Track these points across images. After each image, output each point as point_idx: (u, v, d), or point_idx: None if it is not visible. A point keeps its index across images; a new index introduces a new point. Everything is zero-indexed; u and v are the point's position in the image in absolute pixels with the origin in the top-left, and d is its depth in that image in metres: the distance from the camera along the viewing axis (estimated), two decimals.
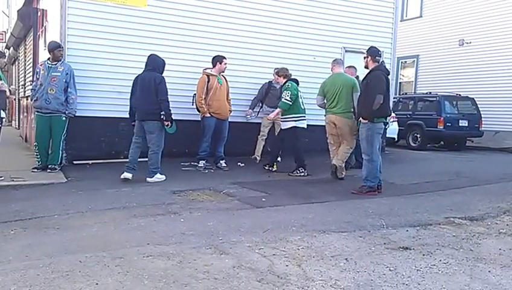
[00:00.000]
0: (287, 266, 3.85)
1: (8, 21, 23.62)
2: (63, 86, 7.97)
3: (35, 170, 7.92)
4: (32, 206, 5.84)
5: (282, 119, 8.64)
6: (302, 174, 8.42)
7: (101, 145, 8.77)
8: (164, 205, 5.94)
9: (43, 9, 11.19)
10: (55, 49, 8.05)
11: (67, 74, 8.00)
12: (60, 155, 8.09)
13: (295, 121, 8.50)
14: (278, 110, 8.60)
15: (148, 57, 7.65)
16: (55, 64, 8.02)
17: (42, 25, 11.03)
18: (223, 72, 8.92)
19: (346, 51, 11.47)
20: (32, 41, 12.34)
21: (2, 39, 24.51)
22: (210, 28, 9.86)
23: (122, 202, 6.05)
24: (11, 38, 15.55)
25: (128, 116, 7.79)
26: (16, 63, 19.70)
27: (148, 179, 7.43)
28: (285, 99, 8.38)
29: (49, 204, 5.96)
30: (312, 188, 7.42)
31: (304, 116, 8.64)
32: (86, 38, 8.71)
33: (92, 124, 8.69)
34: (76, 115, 8.33)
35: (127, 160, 8.04)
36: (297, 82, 8.68)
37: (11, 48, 16.93)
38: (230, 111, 9.11)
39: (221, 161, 8.95)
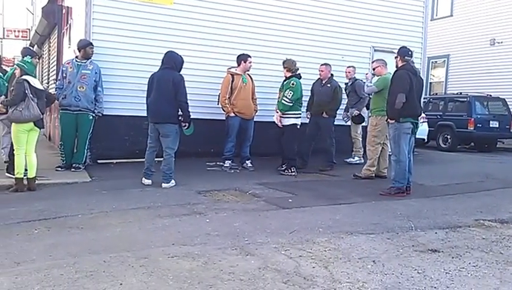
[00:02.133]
0: (313, 267, 3.83)
1: (32, 18, 24.15)
2: (92, 84, 8.11)
3: (59, 169, 8.05)
4: (56, 205, 5.94)
5: (284, 116, 8.44)
6: (294, 174, 8.24)
7: (125, 144, 8.85)
8: (189, 205, 5.97)
9: (68, 7, 11.35)
10: (86, 46, 8.19)
11: (96, 72, 8.13)
12: (85, 154, 8.21)
13: (296, 118, 8.41)
14: (277, 115, 8.46)
15: (166, 54, 7.27)
16: (85, 62, 8.15)
17: (67, 23, 11.19)
18: (248, 71, 8.91)
19: (375, 50, 11.36)
20: (56, 39, 12.55)
21: (26, 37, 25.06)
22: (236, 26, 9.86)
23: (147, 201, 6.09)
24: (35, 35, 15.81)
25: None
26: (40, 61, 20.03)
27: (165, 185, 7.08)
28: (286, 100, 8.28)
29: (73, 203, 6.04)
30: (339, 189, 7.37)
31: (300, 114, 8.58)
32: (110, 36, 8.81)
33: (116, 123, 8.78)
34: (104, 113, 8.45)
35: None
36: (300, 77, 8.51)
37: (35, 46, 17.21)
38: (256, 111, 9.09)
39: (247, 161, 8.95)
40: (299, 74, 8.51)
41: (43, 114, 6.95)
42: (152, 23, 9.15)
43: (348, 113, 9.93)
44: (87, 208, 5.76)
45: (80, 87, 8.03)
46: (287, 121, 8.38)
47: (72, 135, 8.16)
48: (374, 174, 8.15)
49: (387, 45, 11.17)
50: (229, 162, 8.81)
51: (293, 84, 8.26)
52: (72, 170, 8.00)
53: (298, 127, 8.47)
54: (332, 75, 9.20)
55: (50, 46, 14.72)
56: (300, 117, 8.52)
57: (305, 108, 9.18)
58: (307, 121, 9.19)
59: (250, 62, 8.81)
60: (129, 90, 8.87)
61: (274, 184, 7.37)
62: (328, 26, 10.81)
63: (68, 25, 10.93)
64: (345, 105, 10.08)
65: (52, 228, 4.99)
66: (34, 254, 4.17)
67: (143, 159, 8.56)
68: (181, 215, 5.48)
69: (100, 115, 8.30)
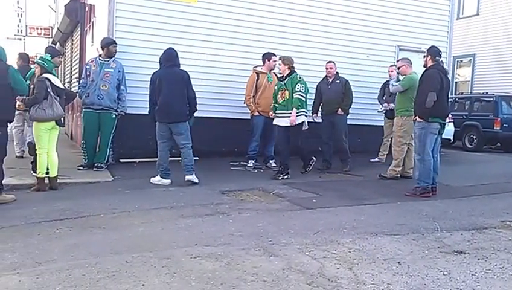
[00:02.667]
0: (337, 269, 3.80)
1: (54, 16, 24.46)
2: (115, 82, 8.18)
3: (82, 168, 8.14)
4: (78, 205, 5.99)
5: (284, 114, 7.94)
6: (286, 177, 7.82)
7: (148, 144, 8.83)
8: (212, 205, 5.98)
9: (90, 5, 11.47)
10: (110, 45, 8.26)
11: (119, 71, 8.20)
12: (107, 153, 8.29)
13: (306, 116, 7.96)
14: (294, 111, 7.79)
15: (166, 51, 7.31)
16: (108, 60, 8.23)
17: (90, 21, 11.31)
18: (273, 69, 8.86)
19: (400, 50, 11.25)
20: (79, 37, 12.69)
21: (49, 34, 25.41)
22: (261, 24, 9.85)
23: (170, 201, 6.12)
24: (58, 33, 16.03)
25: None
26: (62, 59, 20.30)
27: (189, 177, 7.18)
28: (301, 95, 7.81)
29: (95, 203, 6.09)
30: (364, 189, 7.30)
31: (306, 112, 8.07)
32: (134, 34, 8.87)
33: (140, 122, 8.78)
34: (126, 112, 8.52)
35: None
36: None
37: (58, 44, 17.47)
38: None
39: (271, 161, 8.93)
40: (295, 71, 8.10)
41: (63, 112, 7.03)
42: (176, 21, 9.19)
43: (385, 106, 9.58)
44: (110, 208, 5.80)
45: (102, 86, 8.11)
46: (300, 119, 7.91)
47: (94, 134, 8.24)
48: (399, 175, 8.06)
49: (413, 44, 11.11)
50: (253, 161, 8.79)
51: (300, 77, 7.89)
52: (95, 169, 8.08)
53: (307, 126, 7.97)
54: (337, 72, 9.11)
55: (73, 44, 14.89)
56: (307, 115, 8.07)
57: (311, 109, 9.03)
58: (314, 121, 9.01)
59: (274, 61, 8.75)
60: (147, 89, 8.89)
61: (298, 184, 7.33)
62: (352, 25, 10.74)
63: (91, 23, 11.05)
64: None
65: (74, 228, 5.04)
66: (56, 254, 4.21)
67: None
68: (204, 216, 5.48)
69: (123, 114, 8.36)
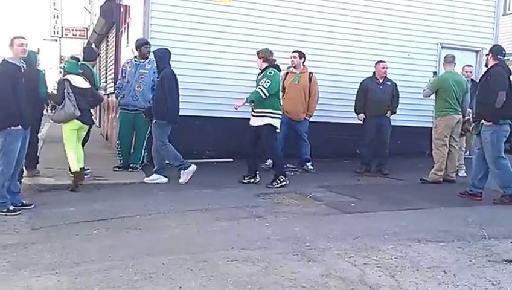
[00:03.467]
0: (379, 276, 3.76)
1: (89, 17, 24.99)
2: (150, 83, 8.29)
3: (117, 169, 8.28)
4: (114, 206, 6.12)
5: (255, 114, 7.43)
6: (284, 183, 7.31)
7: (182, 145, 8.95)
8: (248, 207, 6.01)
9: (126, 5, 11.65)
10: (142, 46, 8.38)
11: (154, 72, 8.29)
12: (142, 154, 8.41)
13: (272, 118, 7.33)
14: (242, 100, 7.41)
15: (163, 51, 7.61)
16: (143, 62, 8.35)
17: (125, 22, 11.50)
18: (300, 68, 8.71)
19: (442, 47, 10.96)
20: (114, 38, 12.93)
21: (84, 35, 25.97)
22: (297, 23, 9.79)
23: (205, 203, 6.18)
24: (93, 34, 16.36)
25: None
26: (98, 60, 20.70)
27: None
28: (262, 89, 7.15)
29: (131, 204, 6.21)
30: (405, 193, 7.20)
31: (280, 115, 7.52)
32: (169, 35, 8.95)
33: None
34: None
35: (208, 160, 8.30)
36: (279, 70, 7.57)
37: (93, 45, 17.83)
38: (308, 113, 8.87)
39: (307, 163, 8.89)
40: (277, 65, 7.57)
41: (88, 111, 7.29)
42: (211, 20, 9.23)
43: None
44: (145, 209, 5.90)
45: (137, 87, 8.24)
46: (261, 121, 7.32)
47: (129, 135, 8.38)
48: (441, 179, 7.90)
49: (456, 42, 10.87)
50: (270, 161, 8.60)
51: (270, 73, 7.27)
52: (130, 170, 8.22)
53: (277, 130, 7.50)
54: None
55: (108, 45, 15.17)
56: (279, 118, 7.44)
57: (355, 109, 8.96)
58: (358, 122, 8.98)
59: (291, 57, 8.68)
60: (186, 90, 8.95)
61: (336, 187, 7.29)
62: (393, 22, 10.56)
63: (126, 24, 11.24)
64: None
65: (111, 229, 5.15)
66: (93, 255, 4.31)
67: (200, 160, 8.79)
68: (240, 218, 5.51)
69: None
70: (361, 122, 8.90)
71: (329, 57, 9.97)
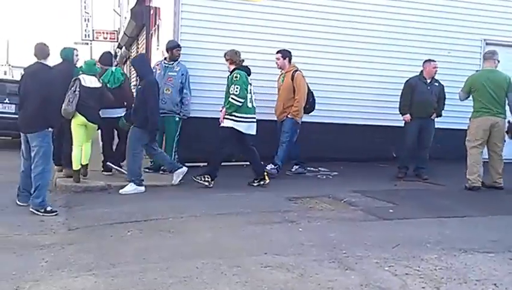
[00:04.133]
0: (423, 288, 3.64)
1: (119, 20, 25.36)
2: (178, 86, 8.28)
3: (148, 171, 8.29)
4: (147, 208, 6.14)
5: (226, 115, 7.43)
6: (207, 183, 7.28)
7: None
8: (280, 212, 5.93)
9: (155, 7, 11.74)
10: (174, 48, 8.39)
11: (182, 74, 8.30)
12: (173, 157, 8.40)
13: (235, 121, 7.26)
14: (223, 112, 7.42)
15: (141, 59, 7.95)
16: (172, 64, 8.37)
17: (155, 24, 11.58)
18: (282, 68, 8.46)
19: (486, 44, 10.54)
20: (144, 40, 13.03)
21: (114, 38, 26.32)
22: (331, 21, 9.65)
23: (236, 207, 6.13)
24: (124, 37, 16.58)
25: None
26: (128, 62, 20.94)
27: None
28: (234, 98, 7.16)
29: (163, 206, 6.20)
30: (446, 200, 6.97)
31: (253, 119, 7.43)
32: (199, 36, 8.97)
33: (204, 125, 8.89)
34: (191, 116, 8.64)
35: (238, 163, 8.25)
36: (248, 72, 7.47)
37: (123, 48, 18.06)
38: (288, 112, 8.30)
39: (270, 167, 8.30)
40: (246, 66, 7.53)
41: (95, 109, 7.39)
42: (242, 20, 9.20)
43: None
44: (177, 212, 5.89)
45: (166, 90, 8.22)
46: (225, 122, 7.36)
47: (158, 137, 8.37)
48: (478, 184, 7.48)
49: (502, 38, 10.40)
50: (296, 167, 8.74)
51: (236, 76, 7.22)
52: (161, 172, 8.22)
53: (251, 133, 7.46)
54: None
55: (138, 48, 15.34)
56: (245, 122, 7.36)
57: (400, 108, 8.62)
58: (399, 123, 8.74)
59: (276, 59, 8.47)
60: (218, 92, 8.92)
61: (371, 192, 7.13)
62: (431, 18, 10.20)
63: (156, 26, 11.32)
64: None
65: (144, 231, 5.16)
66: (128, 256, 4.34)
67: (231, 163, 8.76)
68: (272, 223, 5.45)
69: (185, 117, 8.47)
70: (403, 125, 8.63)
71: (361, 56, 9.78)
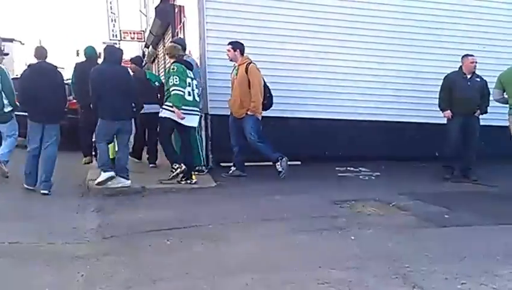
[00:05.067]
0: None
1: (146, 20, 25.19)
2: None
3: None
4: (184, 213, 5.75)
5: (163, 106, 7.23)
6: (179, 171, 7.00)
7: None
8: (327, 217, 5.47)
9: (180, 6, 11.37)
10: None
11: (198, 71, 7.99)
12: (201, 155, 7.99)
13: (172, 112, 6.97)
14: (177, 111, 6.96)
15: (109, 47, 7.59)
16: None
17: (180, 22, 11.21)
18: (235, 61, 7.67)
19: None
20: (170, 39, 12.66)
21: (141, 38, 26.12)
22: (368, 17, 9.09)
23: (280, 212, 5.68)
24: (150, 36, 16.28)
25: None
26: (156, 61, 20.70)
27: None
28: (176, 88, 6.90)
29: (201, 211, 5.81)
30: (504, 204, 6.37)
31: (192, 111, 7.12)
32: (225, 33, 8.46)
33: None
34: (219, 114, 8.27)
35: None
36: (188, 66, 7.22)
37: (150, 47, 17.76)
38: (249, 108, 7.51)
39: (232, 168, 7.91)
40: (185, 60, 7.32)
41: None
42: (268, 17, 8.69)
43: None
44: (217, 218, 5.46)
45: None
46: (163, 113, 7.13)
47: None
48: None
49: None
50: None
51: (173, 68, 7.03)
52: (196, 173, 7.77)
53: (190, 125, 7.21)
54: None
55: (164, 46, 15.00)
56: (172, 110, 6.99)
57: (439, 104, 8.02)
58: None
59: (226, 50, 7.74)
60: None
61: (420, 195, 6.60)
62: (464, 13, 9.55)
63: (182, 24, 10.92)
64: None
65: (184, 240, 4.74)
66: (169, 270, 3.94)
67: (267, 163, 8.32)
68: (321, 230, 4.98)
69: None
70: (445, 122, 8.04)
71: (398, 52, 9.19)
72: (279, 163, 7.48)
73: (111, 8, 28.97)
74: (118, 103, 6.66)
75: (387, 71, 9.14)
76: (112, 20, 28.88)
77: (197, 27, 8.64)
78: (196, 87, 7.25)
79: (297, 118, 8.69)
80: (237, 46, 7.69)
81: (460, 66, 8.00)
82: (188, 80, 7.10)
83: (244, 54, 7.65)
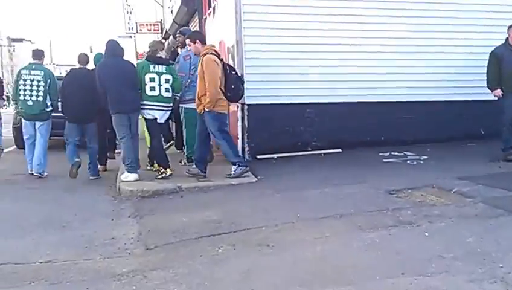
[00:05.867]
0: None
1: (162, 11, 24.61)
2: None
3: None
4: (230, 213, 5.23)
5: None
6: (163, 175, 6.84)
7: (285, 136, 7.96)
8: (389, 211, 4.87)
9: None
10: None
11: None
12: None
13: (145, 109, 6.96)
14: None
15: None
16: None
17: (209, 7, 10.61)
18: (197, 53, 6.91)
19: None
20: (197, 27, 12.09)
21: (158, 30, 25.57)
22: (417, 11, 8.32)
23: (334, 207, 5.10)
24: (173, 25, 15.62)
25: None
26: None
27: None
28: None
29: (248, 211, 5.30)
30: None
31: (157, 106, 6.92)
32: (264, 15, 7.88)
33: (274, 113, 7.92)
34: (256, 103, 7.78)
35: (314, 152, 7.60)
36: (160, 60, 7.09)
37: (170, 37, 17.15)
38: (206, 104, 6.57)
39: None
40: (151, 56, 7.16)
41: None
42: (312, 3, 8.03)
43: None
44: (267, 217, 4.93)
45: None
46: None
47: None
48: None
49: None
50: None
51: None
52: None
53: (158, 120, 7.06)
54: None
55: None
56: (147, 109, 6.94)
57: (488, 82, 7.20)
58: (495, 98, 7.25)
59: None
60: (286, 75, 7.94)
61: (479, 178, 5.91)
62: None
63: (211, 9, 10.32)
64: None
65: (238, 246, 4.21)
66: (230, 285, 3.43)
67: (306, 152, 7.82)
68: (387, 227, 4.40)
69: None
70: (495, 99, 7.25)
71: (441, 25, 8.34)
72: (235, 167, 6.70)
73: (126, 1, 28.48)
74: (125, 95, 6.74)
75: (432, 47, 8.35)
76: (127, 13, 28.41)
77: (233, 10, 7.94)
78: (166, 82, 6.93)
79: (334, 103, 8.06)
80: (195, 36, 7.11)
81: (507, 38, 7.25)
82: (151, 75, 6.86)
83: (207, 43, 7.05)
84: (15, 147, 11.22)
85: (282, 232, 4.49)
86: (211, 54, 6.58)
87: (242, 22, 7.80)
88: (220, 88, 6.48)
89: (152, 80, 6.85)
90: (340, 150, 8.01)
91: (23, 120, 7.93)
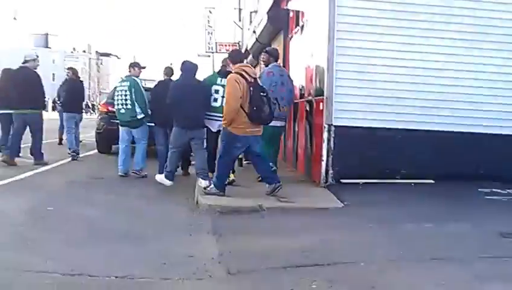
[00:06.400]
0: None
1: (241, 33, 24.55)
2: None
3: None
4: (321, 242, 4.55)
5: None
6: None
7: (373, 162, 7.15)
8: (510, 259, 4.00)
9: (296, 11, 10.22)
10: None
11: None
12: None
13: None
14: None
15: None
16: None
17: (296, 26, 10.07)
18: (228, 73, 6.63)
19: None
20: (281, 46, 11.54)
21: None
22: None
23: (442, 248, 4.31)
24: (256, 44, 15.16)
25: None
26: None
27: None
28: None
29: (342, 241, 4.60)
30: None
31: (212, 116, 7.15)
32: (358, 34, 7.17)
33: (362, 136, 7.14)
34: (344, 125, 7.03)
35: (403, 181, 6.88)
36: (224, 74, 6.94)
37: (250, 56, 16.70)
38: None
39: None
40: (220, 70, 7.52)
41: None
42: (409, 16, 7.22)
43: None
44: (364, 251, 4.22)
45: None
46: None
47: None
48: None
49: None
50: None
51: None
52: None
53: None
54: None
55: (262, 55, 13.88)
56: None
57: None
58: None
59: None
60: (379, 98, 7.16)
61: None
62: None
63: (299, 28, 9.73)
64: None
65: (335, 284, 3.47)
66: None
67: (394, 181, 7.02)
68: None
69: None
70: None
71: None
72: (213, 187, 6.27)
73: (208, 22, 28.90)
74: (191, 112, 6.95)
75: None
76: (208, 33, 28.88)
77: (326, 28, 7.21)
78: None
79: (428, 131, 7.21)
80: (232, 58, 6.77)
81: None
82: (216, 87, 7.18)
83: (244, 62, 7.00)
84: (96, 151, 11.41)
85: (385, 273, 3.74)
86: (236, 72, 6.22)
87: (335, 40, 7.13)
88: (243, 108, 6.07)
89: (216, 91, 7.10)
90: (432, 181, 7.13)
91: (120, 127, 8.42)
